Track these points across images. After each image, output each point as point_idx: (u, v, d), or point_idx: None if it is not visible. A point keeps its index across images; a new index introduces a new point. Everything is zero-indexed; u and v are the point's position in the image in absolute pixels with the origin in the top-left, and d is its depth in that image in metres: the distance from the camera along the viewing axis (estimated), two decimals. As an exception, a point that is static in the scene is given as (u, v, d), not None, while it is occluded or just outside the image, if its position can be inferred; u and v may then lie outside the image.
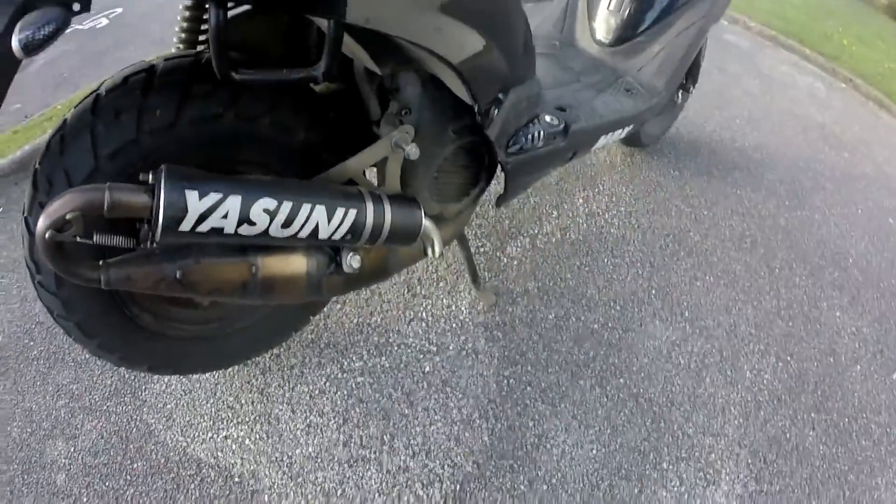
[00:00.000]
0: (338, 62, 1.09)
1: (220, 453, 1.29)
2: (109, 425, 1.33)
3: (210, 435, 1.32)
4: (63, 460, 1.27)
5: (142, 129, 0.87)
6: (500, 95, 1.13)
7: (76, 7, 0.66)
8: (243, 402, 1.37)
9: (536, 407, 1.38)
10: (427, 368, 1.41)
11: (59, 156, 0.87)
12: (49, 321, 1.50)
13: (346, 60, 1.10)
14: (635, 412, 1.43)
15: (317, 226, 0.90)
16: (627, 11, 1.79)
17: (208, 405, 1.37)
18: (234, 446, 1.30)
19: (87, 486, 1.23)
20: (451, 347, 1.46)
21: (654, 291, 1.70)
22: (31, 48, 0.63)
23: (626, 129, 1.60)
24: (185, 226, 0.79)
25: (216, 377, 1.41)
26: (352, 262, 1.03)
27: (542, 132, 1.23)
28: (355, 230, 0.95)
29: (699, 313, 1.68)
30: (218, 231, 0.82)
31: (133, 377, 1.40)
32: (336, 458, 1.28)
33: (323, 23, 0.86)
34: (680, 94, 2.09)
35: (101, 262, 0.85)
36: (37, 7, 0.63)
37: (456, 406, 1.36)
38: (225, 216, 0.81)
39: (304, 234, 0.90)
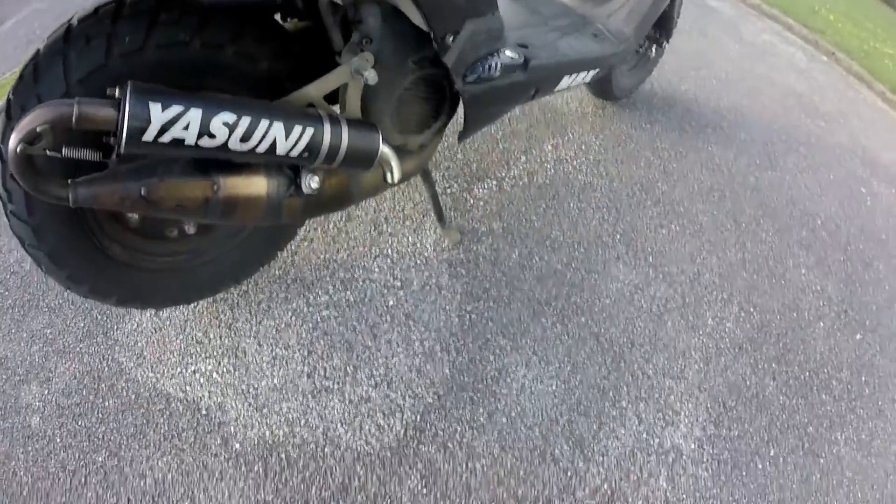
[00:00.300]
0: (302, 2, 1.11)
1: (188, 387, 1.31)
2: (82, 366, 1.34)
3: (179, 370, 1.33)
4: (37, 403, 1.27)
5: (111, 54, 0.90)
6: (456, 22, 1.14)
7: None
8: (211, 336, 1.39)
9: (497, 342, 1.40)
10: (391, 302, 1.43)
11: (33, 83, 0.90)
12: (23, 270, 1.50)
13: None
14: (596, 351, 1.46)
15: (274, 141, 0.93)
16: None
17: (178, 341, 1.38)
18: (201, 380, 1.32)
19: (60, 426, 1.24)
20: (415, 283, 1.48)
21: (618, 236, 1.72)
22: None
23: (592, 73, 1.60)
24: (148, 136, 0.82)
25: (185, 314, 1.42)
26: (310, 182, 1.06)
27: (499, 63, 1.24)
28: (312, 148, 0.98)
29: (663, 259, 1.70)
30: (179, 142, 0.85)
31: (105, 318, 1.41)
32: (300, 389, 1.30)
33: None
34: (653, 49, 2.08)
35: (69, 181, 0.87)
36: None
37: (418, 339, 1.38)
38: (186, 128, 0.84)
39: (261, 148, 0.93)
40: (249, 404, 1.28)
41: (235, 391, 1.30)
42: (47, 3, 2.83)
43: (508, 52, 1.29)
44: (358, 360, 1.34)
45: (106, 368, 1.34)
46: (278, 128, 0.93)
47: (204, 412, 1.28)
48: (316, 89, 1.03)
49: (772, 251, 1.93)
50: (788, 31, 3.85)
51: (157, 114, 0.81)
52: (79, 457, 1.20)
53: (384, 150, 1.09)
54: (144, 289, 1.23)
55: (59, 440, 1.22)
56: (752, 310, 1.72)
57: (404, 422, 1.27)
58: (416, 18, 1.04)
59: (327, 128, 0.98)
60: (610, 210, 1.79)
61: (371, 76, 1.02)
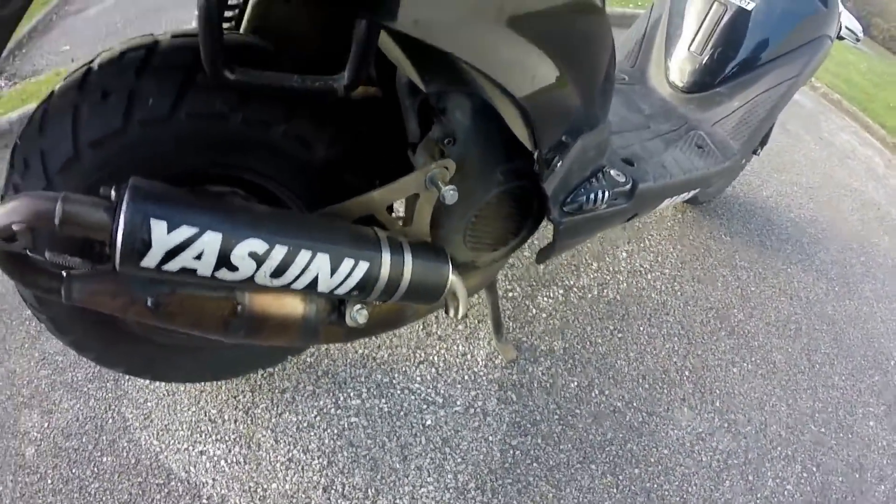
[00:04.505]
0: (375, 67, 0.90)
1: (192, 468, 1.13)
2: (87, 409, 1.21)
3: (185, 445, 1.17)
4: (35, 433, 1.16)
5: (130, 118, 0.70)
6: (565, 138, 0.90)
7: None
8: (226, 417, 1.20)
9: (539, 487, 1.17)
10: (428, 421, 1.21)
11: (38, 134, 0.71)
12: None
13: (389, 65, 0.88)
14: (645, 508, 1.22)
15: (316, 278, 0.71)
16: (709, 56, 1.55)
17: (189, 413, 1.21)
18: (208, 464, 1.14)
19: (54, 467, 1.11)
20: (458, 402, 1.26)
21: (687, 373, 1.47)
22: None
23: (693, 193, 1.36)
24: (149, 262, 0.61)
25: (202, 384, 1.24)
26: (357, 316, 0.82)
27: (606, 192, 1.00)
28: (365, 286, 0.75)
29: (731, 404, 1.45)
30: (189, 272, 0.64)
31: (119, 363, 1.25)
32: (312, 503, 1.10)
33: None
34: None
35: (64, 274, 0.68)
36: None
37: (452, 470, 1.16)
38: (199, 256, 0.63)
39: (298, 285, 0.71)
40: (254, 506, 1.09)
41: (242, 487, 1.11)
42: (131, -5, 2.70)
43: (614, 174, 1.05)
44: (381, 483, 1.13)
45: (110, 420, 1.20)
46: (322, 261, 0.70)
47: (204, 501, 1.10)
48: (380, 198, 0.81)
49: (843, 398, 1.67)
50: (866, 130, 3.53)
51: (161, 236, 0.60)
52: (66, 506, 1.06)
53: (453, 281, 0.85)
54: (157, 363, 1.06)
55: (49, 481, 1.10)
56: (815, 469, 1.47)
57: (420, 565, 1.06)
58: (517, 128, 0.81)
59: (386, 259, 0.75)
60: (681, 339, 1.54)
61: (449, 195, 0.79)
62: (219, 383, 1.24)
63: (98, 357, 0.99)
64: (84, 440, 1.15)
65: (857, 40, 1.80)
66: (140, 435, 1.17)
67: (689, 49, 1.58)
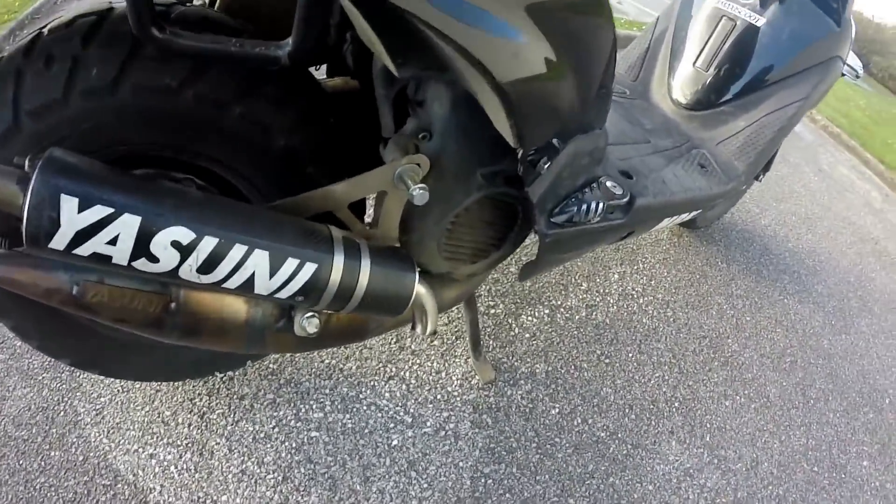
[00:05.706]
0: (353, 58, 0.78)
1: (140, 471, 1.01)
2: (40, 399, 1.09)
3: (136, 447, 1.04)
4: None
5: (72, 88, 0.60)
6: (556, 142, 0.77)
7: None
8: (180, 421, 1.07)
9: (511, 520, 1.03)
10: (395, 442, 1.07)
11: None
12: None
13: (367, 55, 0.76)
14: (624, 548, 1.08)
15: (251, 278, 0.58)
16: (715, 73, 1.43)
17: (142, 412, 1.08)
18: (157, 468, 1.01)
19: (2, 456, 1.00)
20: (428, 423, 1.11)
21: (676, 404, 1.33)
22: None
23: (693, 214, 1.23)
24: (58, 243, 0.51)
25: (157, 383, 1.11)
26: (306, 325, 0.69)
27: (601, 204, 0.86)
28: (309, 291, 0.62)
29: (721, 439, 1.31)
30: (103, 259, 0.53)
31: (77, 354, 1.12)
32: (263, 521, 0.96)
33: None
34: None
35: None
36: None
37: (417, 496, 1.02)
38: (113, 241, 0.52)
39: (231, 285, 0.59)
40: (202, 519, 0.96)
41: (190, 496, 0.99)
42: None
43: (610, 185, 0.92)
44: (338, 505, 0.99)
45: (62, 412, 1.08)
46: (260, 259, 0.58)
47: (150, 509, 0.96)
48: (342, 194, 0.69)
49: (837, 436, 1.53)
50: (865, 165, 3.43)
51: (71, 214, 0.50)
52: (11, 500, 0.96)
53: (419, 292, 0.72)
54: (104, 358, 0.94)
55: (-6, 472, 0.96)
56: (805, 511, 1.33)
57: None
58: (500, 123, 0.67)
59: (338, 263, 0.62)
60: (672, 369, 1.40)
61: (419, 195, 0.66)
62: (175, 384, 1.11)
63: (41, 346, 0.88)
64: (34, 431, 1.04)
65: (857, 77, 1.71)
66: (90, 431, 1.05)
67: (693, 65, 1.47)
